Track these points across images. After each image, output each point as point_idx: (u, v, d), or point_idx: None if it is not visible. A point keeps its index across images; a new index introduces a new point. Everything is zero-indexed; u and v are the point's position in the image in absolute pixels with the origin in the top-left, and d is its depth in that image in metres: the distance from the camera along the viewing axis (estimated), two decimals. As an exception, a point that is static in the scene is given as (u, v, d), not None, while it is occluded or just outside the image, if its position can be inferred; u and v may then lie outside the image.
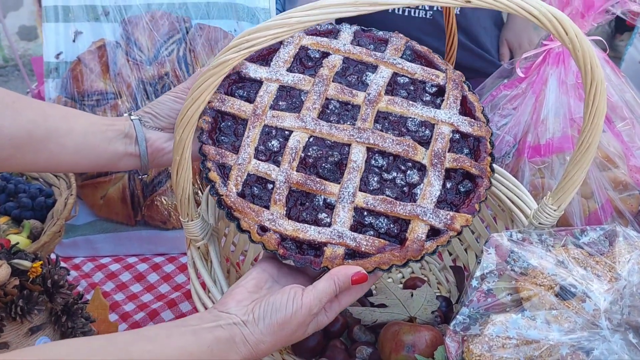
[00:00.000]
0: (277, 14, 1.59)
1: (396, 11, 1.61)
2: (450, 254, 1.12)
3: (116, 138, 0.82)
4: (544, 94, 1.15)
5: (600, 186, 1.12)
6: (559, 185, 0.82)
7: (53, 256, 0.82)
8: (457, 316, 0.76)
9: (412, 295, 0.93)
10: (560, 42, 0.67)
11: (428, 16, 1.59)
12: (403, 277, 1.13)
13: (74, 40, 1.21)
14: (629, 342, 0.68)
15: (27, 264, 0.66)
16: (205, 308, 0.79)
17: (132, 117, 0.84)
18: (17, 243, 0.74)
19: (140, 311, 1.05)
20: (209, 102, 0.81)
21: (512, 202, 0.95)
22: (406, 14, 1.61)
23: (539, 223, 0.86)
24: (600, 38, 1.11)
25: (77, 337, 0.70)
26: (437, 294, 1.03)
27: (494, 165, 0.84)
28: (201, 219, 0.81)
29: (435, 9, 1.59)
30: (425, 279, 1.10)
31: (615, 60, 1.96)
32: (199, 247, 0.83)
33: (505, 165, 1.16)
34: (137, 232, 1.21)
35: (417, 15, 1.60)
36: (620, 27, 2.40)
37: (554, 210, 0.85)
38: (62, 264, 0.76)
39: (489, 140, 0.85)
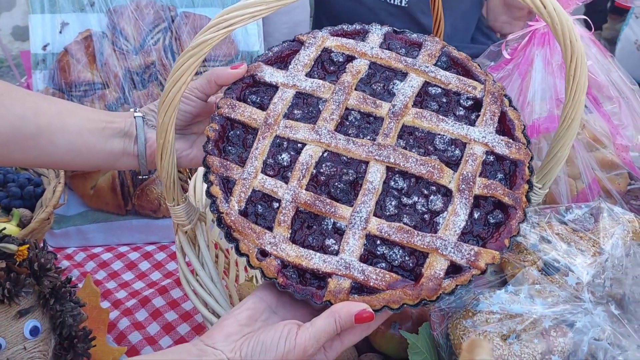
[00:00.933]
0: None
1: None
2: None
3: (114, 136, 0.78)
4: (530, 75, 1.15)
5: (587, 166, 1.12)
6: (543, 162, 0.82)
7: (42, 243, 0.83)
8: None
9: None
10: (540, 17, 0.67)
11: (403, 3, 1.57)
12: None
13: (60, 32, 1.21)
14: (611, 314, 0.68)
15: (13, 247, 0.66)
16: (194, 292, 0.80)
17: (136, 114, 0.79)
18: (4, 228, 0.75)
19: (132, 298, 1.05)
20: (218, 108, 0.76)
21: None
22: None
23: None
24: (585, 17, 1.11)
25: (66, 320, 0.70)
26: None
27: (531, 194, 0.73)
28: (187, 203, 0.81)
29: None
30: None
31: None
32: (186, 232, 0.83)
33: (493, 147, 1.17)
34: (128, 221, 1.22)
35: (391, 2, 1.58)
36: (617, 10, 2.40)
37: (539, 188, 0.85)
38: (51, 249, 0.76)
39: (527, 164, 0.74)
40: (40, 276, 0.68)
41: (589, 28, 1.14)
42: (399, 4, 1.58)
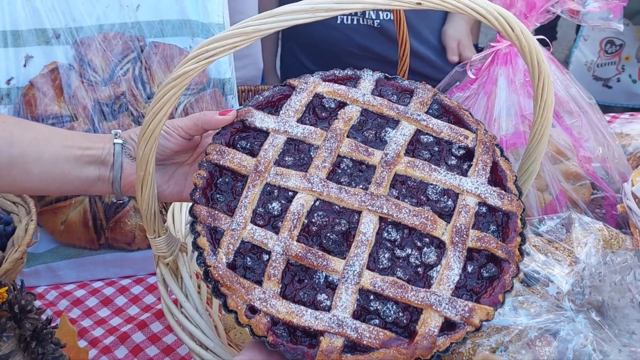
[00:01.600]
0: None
1: (344, 21, 1.64)
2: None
3: (90, 164, 0.76)
4: (495, 94, 1.19)
5: (553, 178, 1.16)
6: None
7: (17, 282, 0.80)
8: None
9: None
10: (508, 39, 0.70)
11: (375, 25, 1.62)
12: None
13: (24, 65, 1.19)
14: (592, 321, 0.71)
15: (-9, 290, 0.64)
16: (179, 325, 0.79)
17: (116, 141, 0.78)
18: (-20, 271, 0.72)
19: (110, 335, 1.03)
20: (206, 154, 0.75)
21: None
22: (354, 22, 1.64)
23: (500, 216, 0.88)
24: (544, 37, 1.16)
25: (48, 362, 0.68)
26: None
27: (524, 248, 0.72)
28: (168, 234, 0.80)
29: (382, 17, 1.62)
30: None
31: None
32: (167, 264, 0.82)
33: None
34: (101, 255, 1.19)
35: (364, 23, 1.63)
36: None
37: (513, 202, 0.87)
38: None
39: (519, 216, 0.73)
40: (21, 319, 0.66)
41: (547, 47, 1.19)
42: (371, 24, 1.62)
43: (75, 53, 1.20)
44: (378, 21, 1.62)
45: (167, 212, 0.95)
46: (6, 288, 0.66)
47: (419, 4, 0.64)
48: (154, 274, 1.19)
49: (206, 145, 0.76)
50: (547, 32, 3.20)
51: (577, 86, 1.22)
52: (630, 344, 0.67)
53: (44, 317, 0.77)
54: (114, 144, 0.78)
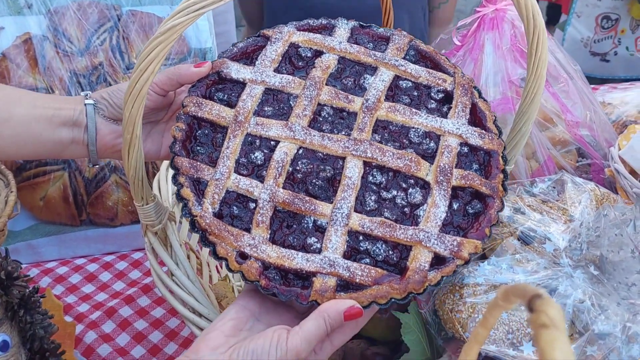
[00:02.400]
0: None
1: None
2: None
3: (63, 125, 0.74)
4: (482, 59, 1.18)
5: (541, 145, 1.16)
6: (507, 138, 0.84)
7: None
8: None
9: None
10: (502, -9, 0.68)
11: None
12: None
13: (-5, 36, 1.14)
14: (590, 275, 0.70)
15: (-26, 257, 0.61)
16: (172, 293, 0.76)
17: (87, 102, 0.76)
18: (-40, 240, 0.69)
19: (96, 310, 1.00)
20: (183, 107, 0.73)
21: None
22: None
23: (492, 179, 0.87)
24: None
25: (37, 333, 0.65)
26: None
27: (506, 183, 0.73)
28: (156, 202, 0.77)
29: None
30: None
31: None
32: (156, 233, 0.80)
33: (451, 132, 1.19)
34: (83, 232, 1.16)
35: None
36: (552, 19, 2.52)
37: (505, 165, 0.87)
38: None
39: (501, 154, 0.74)
40: (8, 285, 0.63)
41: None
42: None
43: (49, 23, 1.15)
44: None
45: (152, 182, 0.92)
46: (-10, 255, 0.63)
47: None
48: (138, 249, 1.17)
49: (180, 101, 0.75)
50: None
51: (562, 52, 1.22)
52: (629, 296, 0.67)
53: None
54: (85, 104, 0.76)
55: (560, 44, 2.21)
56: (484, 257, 0.78)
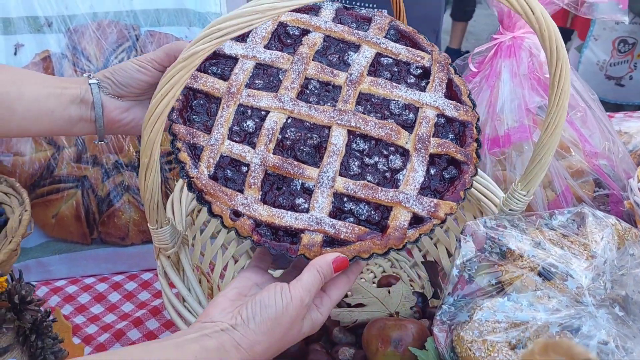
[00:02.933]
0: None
1: None
2: (420, 250, 1.12)
3: (71, 103, 0.78)
4: (498, 86, 1.17)
5: (559, 175, 1.15)
6: (527, 169, 0.83)
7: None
8: (442, 306, 0.75)
9: (389, 292, 0.92)
10: (527, 22, 0.68)
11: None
12: (375, 277, 1.12)
13: (15, 54, 1.15)
14: (615, 316, 0.68)
15: (-12, 281, 0.60)
16: (182, 318, 0.75)
17: (91, 81, 0.80)
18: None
19: (104, 332, 0.99)
20: None
21: (479, 192, 0.96)
22: None
23: (510, 209, 0.86)
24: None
25: (47, 357, 0.64)
26: (412, 290, 1.03)
27: (479, 151, 0.80)
28: (171, 225, 0.76)
29: None
30: (398, 276, 1.09)
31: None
32: (169, 256, 0.79)
33: (467, 159, 1.18)
34: (94, 251, 1.15)
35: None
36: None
37: (524, 196, 0.85)
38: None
39: (475, 125, 0.81)
40: (21, 310, 0.62)
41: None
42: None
43: (68, 41, 1.16)
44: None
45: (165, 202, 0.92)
46: (5, 277, 0.62)
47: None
48: (148, 270, 1.15)
49: None
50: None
51: (581, 80, 1.21)
52: (655, 339, 0.65)
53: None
54: (89, 84, 0.80)
55: (576, 66, 2.21)
56: (502, 291, 0.76)
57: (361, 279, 1.12)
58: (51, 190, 1.10)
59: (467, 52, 1.22)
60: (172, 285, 0.78)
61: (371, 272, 1.13)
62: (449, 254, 1.06)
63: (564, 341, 0.32)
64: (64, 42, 1.15)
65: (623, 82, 2.18)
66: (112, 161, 1.12)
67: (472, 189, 0.96)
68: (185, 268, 0.78)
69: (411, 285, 1.10)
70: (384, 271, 1.14)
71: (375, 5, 1.54)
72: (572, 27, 2.36)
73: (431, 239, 1.09)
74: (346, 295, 0.97)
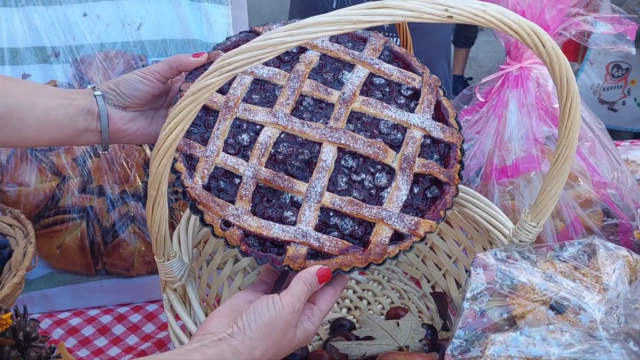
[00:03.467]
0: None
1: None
2: (429, 281, 1.10)
3: (78, 114, 0.82)
4: (506, 116, 1.17)
5: (568, 205, 1.14)
6: (537, 200, 0.82)
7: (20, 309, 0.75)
8: (453, 340, 0.74)
9: (397, 325, 0.90)
10: (537, 55, 0.67)
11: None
12: (384, 308, 1.10)
13: (22, 83, 1.15)
14: (629, 351, 0.67)
15: (-8, 317, 0.59)
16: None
17: (96, 93, 0.84)
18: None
19: (107, 366, 0.97)
20: (180, 92, 0.82)
21: (489, 223, 0.95)
22: None
23: (520, 241, 0.85)
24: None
25: (50, 396, 0.63)
26: (421, 322, 1.01)
27: (462, 172, 0.83)
28: (177, 258, 0.76)
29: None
30: (407, 308, 1.08)
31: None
32: (175, 289, 0.78)
33: (474, 188, 1.17)
34: (98, 282, 1.13)
35: None
36: None
37: (534, 227, 0.85)
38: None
39: (459, 147, 0.84)
40: (26, 347, 0.61)
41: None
42: None
43: (74, 71, 1.16)
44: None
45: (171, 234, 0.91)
46: (10, 314, 0.61)
47: (450, 17, 0.61)
48: (153, 301, 1.14)
49: (177, 88, 0.86)
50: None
51: (588, 110, 1.21)
52: (673, 376, 0.63)
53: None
54: (94, 95, 0.83)
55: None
56: (514, 324, 0.75)
57: (369, 310, 1.10)
58: (56, 221, 1.09)
59: (470, 78, 1.22)
60: (177, 317, 0.77)
61: (379, 303, 1.12)
62: (458, 285, 1.05)
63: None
64: (70, 72, 1.16)
65: (616, 107, 2.18)
66: (118, 192, 1.11)
67: (481, 219, 0.95)
68: (192, 301, 0.76)
69: (420, 317, 1.08)
70: (392, 302, 1.12)
71: (387, 34, 1.55)
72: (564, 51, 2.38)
73: (439, 268, 1.08)
74: (354, 328, 0.96)
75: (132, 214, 1.11)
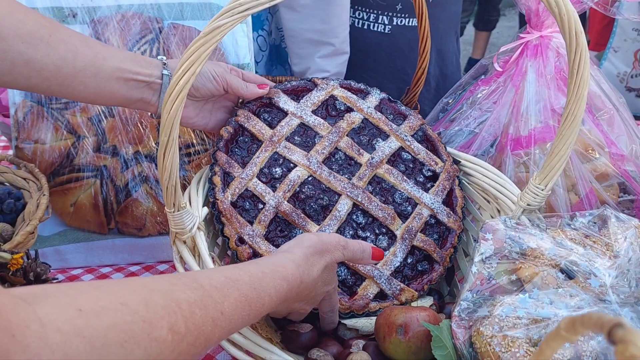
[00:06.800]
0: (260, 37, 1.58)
1: (355, 24, 1.56)
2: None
3: (136, 87, 0.84)
4: (523, 87, 1.15)
5: (583, 177, 1.12)
6: (545, 162, 0.81)
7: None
8: (461, 302, 0.73)
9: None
10: (546, 7, 0.66)
11: (387, 30, 1.55)
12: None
13: (39, 43, 1.16)
14: (639, 314, 0.66)
15: (6, 255, 0.60)
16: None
17: (164, 72, 0.86)
18: (-12, 239, 0.68)
19: (117, 321, 0.98)
20: (235, 116, 0.90)
21: (497, 190, 0.94)
22: (365, 27, 1.57)
23: (527, 204, 0.84)
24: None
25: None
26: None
27: (454, 257, 0.93)
28: (187, 209, 0.76)
29: (394, 23, 1.55)
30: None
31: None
32: (184, 242, 0.78)
33: (488, 159, 1.16)
34: (110, 240, 1.15)
35: (375, 29, 1.56)
36: None
37: (542, 190, 0.83)
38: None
39: (457, 234, 0.92)
40: (35, 286, 0.62)
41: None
42: (382, 30, 1.55)
43: (92, 32, 1.16)
44: (389, 27, 1.54)
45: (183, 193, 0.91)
46: (22, 254, 0.62)
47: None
48: (164, 262, 1.15)
49: (231, 90, 0.91)
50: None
51: (608, 82, 1.18)
52: (683, 338, 0.62)
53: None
54: (162, 74, 0.86)
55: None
56: (522, 289, 0.74)
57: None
58: (70, 179, 1.10)
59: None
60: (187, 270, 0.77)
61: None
62: (466, 254, 1.04)
63: (592, 313, 0.31)
64: (87, 33, 1.16)
65: (644, 94, 2.13)
66: (132, 152, 1.12)
67: (490, 187, 0.97)
68: (201, 253, 0.77)
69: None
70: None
71: (401, 15, 1.52)
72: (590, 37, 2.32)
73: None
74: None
75: (145, 174, 1.12)
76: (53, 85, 0.79)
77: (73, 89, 0.81)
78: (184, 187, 1.09)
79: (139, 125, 1.13)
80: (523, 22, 1.22)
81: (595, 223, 0.87)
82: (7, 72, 0.76)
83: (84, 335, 0.40)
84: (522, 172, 1.15)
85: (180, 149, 1.10)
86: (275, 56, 1.65)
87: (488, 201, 0.98)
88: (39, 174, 0.94)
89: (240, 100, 0.97)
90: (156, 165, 1.13)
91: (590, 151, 1.13)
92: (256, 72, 1.20)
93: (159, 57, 0.88)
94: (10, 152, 1.19)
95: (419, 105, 1.24)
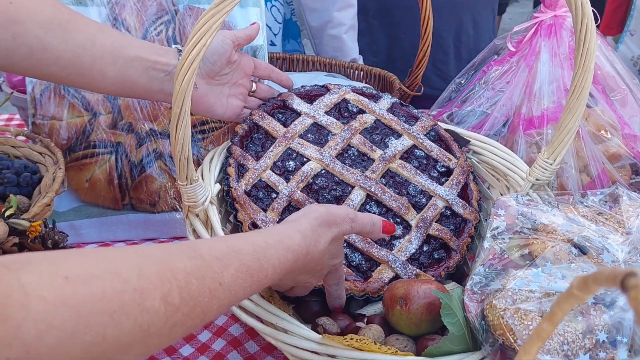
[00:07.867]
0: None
1: None
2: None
3: (156, 76, 0.84)
4: (537, 66, 1.14)
5: (595, 158, 1.12)
6: (554, 137, 0.81)
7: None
8: (473, 276, 0.74)
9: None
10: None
11: None
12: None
13: (55, 22, 1.17)
14: (650, 289, 0.66)
15: (25, 223, 0.61)
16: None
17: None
18: (11, 206, 0.69)
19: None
20: (250, 115, 0.93)
21: (506, 167, 0.95)
22: None
23: (536, 179, 0.85)
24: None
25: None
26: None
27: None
28: (200, 182, 0.77)
29: None
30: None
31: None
32: (197, 215, 0.79)
33: (501, 139, 1.16)
34: (124, 216, 1.16)
35: None
36: None
37: (550, 164, 0.84)
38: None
39: (474, 224, 0.91)
40: (54, 253, 0.63)
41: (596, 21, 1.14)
42: None
43: (109, 12, 1.17)
44: None
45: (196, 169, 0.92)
46: (40, 222, 0.63)
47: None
48: (178, 237, 1.16)
49: (243, 66, 0.93)
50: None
51: (622, 63, 1.17)
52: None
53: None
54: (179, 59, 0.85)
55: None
56: (534, 263, 0.74)
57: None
58: (86, 155, 1.12)
59: (502, 48, 1.20)
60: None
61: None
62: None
63: (603, 269, 0.31)
64: (104, 14, 1.17)
65: (659, 78, 2.10)
66: (147, 129, 1.13)
67: (499, 165, 0.98)
68: (214, 225, 0.78)
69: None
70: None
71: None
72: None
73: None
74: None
75: (159, 151, 1.13)
76: (71, 75, 0.79)
77: (92, 78, 0.80)
78: (197, 165, 1.10)
79: (154, 102, 1.15)
80: (538, 4, 1.20)
81: (606, 201, 0.88)
82: (25, 58, 0.76)
83: (69, 304, 0.38)
84: (534, 152, 1.14)
85: (194, 125, 1.11)
86: (285, 30, 1.65)
87: (497, 179, 0.99)
88: (55, 148, 0.95)
89: (252, 90, 0.97)
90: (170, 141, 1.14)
91: (603, 132, 1.12)
92: (270, 52, 1.20)
93: (174, 46, 0.87)
94: (26, 129, 1.20)
95: (422, 87, 1.26)
